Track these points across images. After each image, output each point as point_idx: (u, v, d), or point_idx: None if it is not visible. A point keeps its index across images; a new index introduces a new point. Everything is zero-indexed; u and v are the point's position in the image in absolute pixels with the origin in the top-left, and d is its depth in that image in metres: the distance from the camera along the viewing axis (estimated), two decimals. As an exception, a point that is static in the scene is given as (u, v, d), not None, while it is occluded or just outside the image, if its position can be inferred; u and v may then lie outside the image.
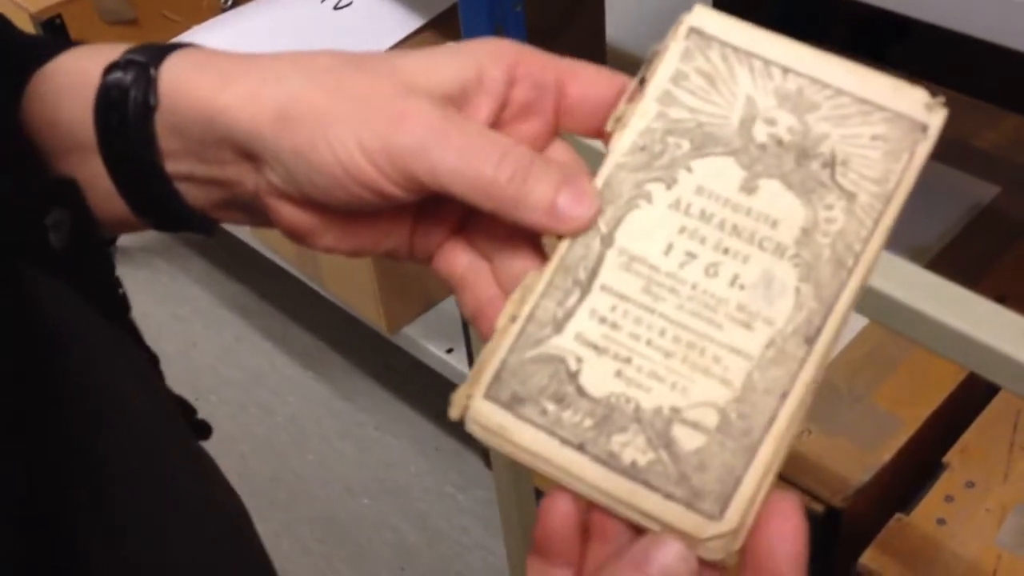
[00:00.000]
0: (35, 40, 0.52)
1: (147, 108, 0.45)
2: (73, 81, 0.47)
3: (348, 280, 1.56)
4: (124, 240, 2.16)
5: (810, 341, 0.39)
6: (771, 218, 0.40)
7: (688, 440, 0.38)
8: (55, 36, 1.75)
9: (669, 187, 0.41)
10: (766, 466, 0.38)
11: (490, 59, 0.43)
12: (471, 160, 0.41)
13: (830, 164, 0.40)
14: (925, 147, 0.40)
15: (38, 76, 0.48)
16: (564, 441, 0.39)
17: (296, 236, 0.45)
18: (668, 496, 0.38)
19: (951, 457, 0.94)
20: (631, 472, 0.38)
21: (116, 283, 0.49)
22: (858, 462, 0.92)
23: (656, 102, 0.42)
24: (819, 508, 0.91)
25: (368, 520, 1.65)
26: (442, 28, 1.36)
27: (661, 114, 0.42)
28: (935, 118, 0.40)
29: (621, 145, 0.42)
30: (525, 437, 0.39)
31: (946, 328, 0.60)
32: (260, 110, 0.42)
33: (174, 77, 0.45)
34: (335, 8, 1.39)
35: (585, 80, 0.44)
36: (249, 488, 1.78)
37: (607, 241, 0.41)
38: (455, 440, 1.71)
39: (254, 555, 0.54)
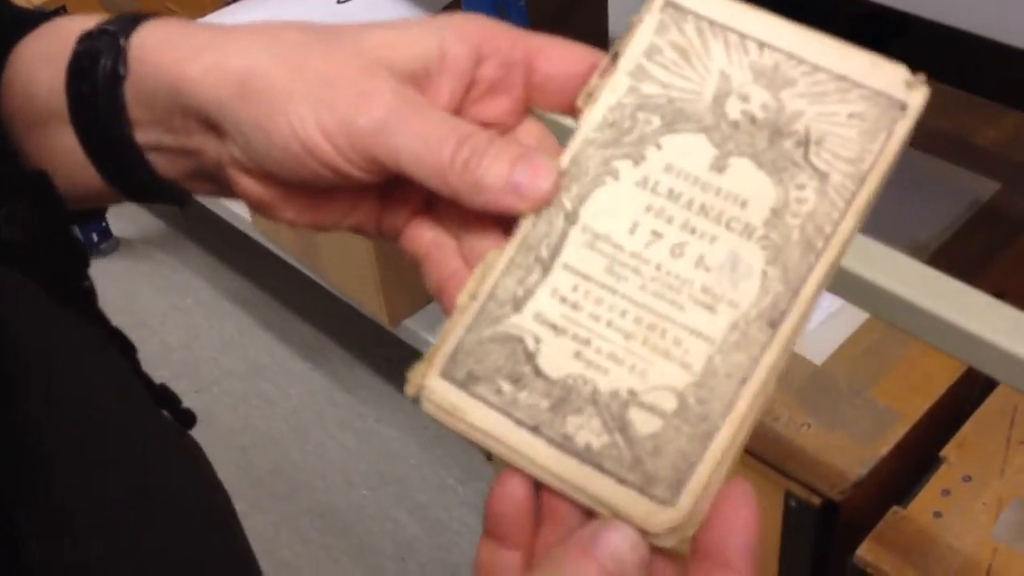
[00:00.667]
0: (17, 12, 0.51)
1: (116, 77, 0.44)
2: (49, 50, 0.47)
3: (350, 272, 1.56)
4: (125, 232, 2.16)
5: (774, 325, 0.37)
6: (740, 198, 0.39)
7: (644, 424, 0.37)
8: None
9: (637, 164, 0.40)
10: (722, 453, 0.36)
11: (455, 37, 0.42)
12: (430, 145, 0.40)
13: (804, 143, 0.39)
14: (904, 126, 0.38)
15: (20, 46, 0.48)
16: (519, 422, 0.38)
17: (258, 208, 0.45)
18: (621, 481, 0.37)
19: (948, 451, 0.94)
20: (585, 455, 0.37)
21: (82, 275, 0.49)
22: (856, 456, 0.92)
23: (628, 76, 0.41)
24: (817, 501, 0.92)
25: (368, 511, 1.66)
26: (445, 21, 1.37)
27: (632, 89, 0.41)
28: (915, 96, 0.39)
29: (590, 120, 0.41)
30: (479, 417, 0.38)
31: (945, 323, 0.60)
32: (223, 83, 0.42)
33: (143, 47, 0.44)
34: (338, 2, 1.39)
35: (555, 56, 0.43)
36: (250, 479, 1.79)
37: (571, 218, 0.40)
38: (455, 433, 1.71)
39: (232, 551, 0.54)
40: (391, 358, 1.84)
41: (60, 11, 0.54)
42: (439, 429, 1.83)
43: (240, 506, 0.59)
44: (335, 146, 0.40)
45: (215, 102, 0.42)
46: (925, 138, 1.22)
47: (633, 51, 0.41)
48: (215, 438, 1.70)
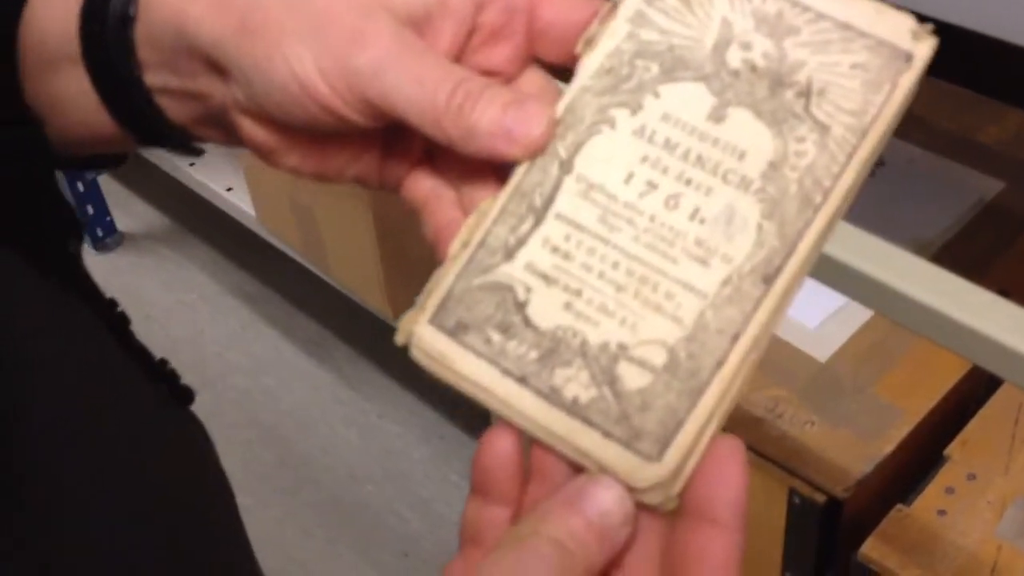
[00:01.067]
0: None
1: (126, 19, 0.44)
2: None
3: (354, 268, 1.56)
4: (130, 227, 2.17)
5: (768, 281, 0.36)
6: (739, 149, 0.37)
7: (633, 379, 0.36)
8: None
9: (634, 113, 0.39)
10: (710, 410, 0.35)
11: None
12: (425, 89, 0.39)
13: (805, 93, 0.37)
14: (909, 78, 0.37)
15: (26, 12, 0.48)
16: (506, 372, 0.37)
17: (261, 154, 0.45)
18: (607, 435, 0.36)
19: (952, 449, 0.94)
20: (572, 408, 0.36)
21: (68, 241, 0.49)
22: (860, 453, 0.93)
23: (627, 22, 0.40)
24: (821, 498, 0.92)
25: (372, 506, 1.66)
26: None
27: (631, 35, 0.39)
28: (922, 47, 0.37)
29: (588, 67, 0.40)
30: (467, 366, 0.38)
31: (949, 320, 0.60)
32: (225, 21, 0.42)
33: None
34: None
35: (558, 3, 0.42)
36: (254, 474, 1.79)
37: (566, 167, 0.39)
38: (458, 428, 1.71)
39: (215, 527, 0.54)
40: (395, 354, 1.84)
41: None
42: (442, 425, 1.84)
43: (244, 500, 0.59)
44: (332, 87, 0.40)
45: (216, 40, 0.42)
46: (930, 136, 1.23)
47: None
48: (219, 433, 1.69)
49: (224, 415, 1.79)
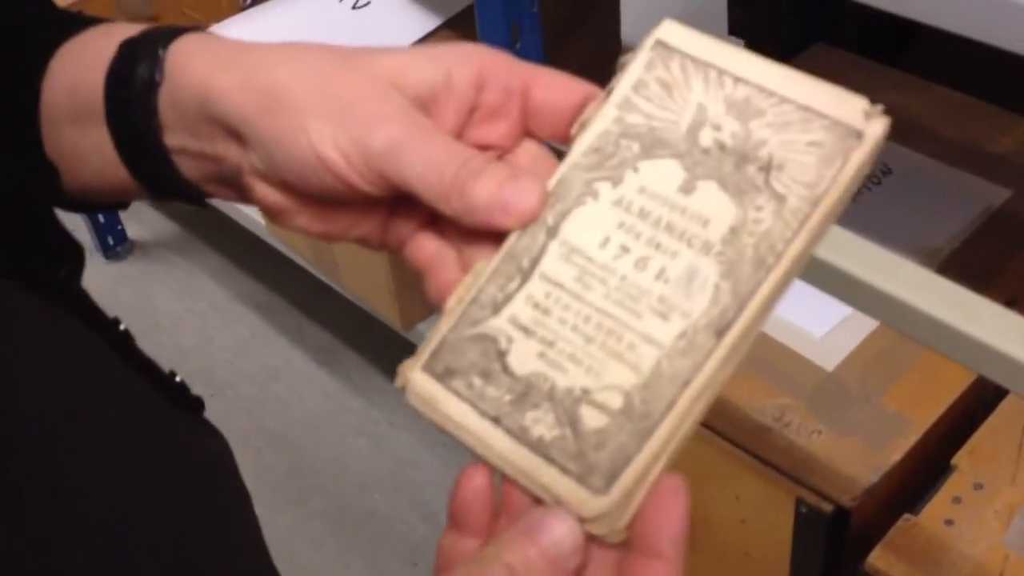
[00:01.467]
0: (66, 15, 0.55)
1: (152, 84, 0.47)
2: (93, 53, 0.50)
3: (364, 277, 1.57)
4: (140, 235, 2.18)
5: (720, 334, 0.40)
6: (704, 217, 0.41)
7: (592, 420, 0.40)
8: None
9: (615, 185, 0.43)
10: (657, 450, 0.39)
11: (459, 64, 0.46)
12: (434, 168, 0.43)
13: (766, 168, 0.41)
14: (859, 154, 0.40)
15: (68, 44, 0.51)
16: (483, 413, 0.41)
17: (271, 215, 0.48)
18: (564, 470, 0.39)
19: (960, 459, 0.94)
20: (537, 446, 0.40)
21: (59, 268, 0.52)
22: (867, 462, 0.93)
23: (616, 108, 0.44)
24: (828, 508, 0.92)
25: (380, 515, 1.67)
26: (459, 28, 1.37)
27: (619, 119, 0.44)
28: (873, 126, 0.41)
29: (580, 147, 0.44)
30: (451, 408, 0.42)
31: (955, 332, 0.60)
32: (250, 96, 0.45)
33: (179, 57, 0.48)
34: (353, 8, 1.40)
35: (549, 86, 0.46)
36: (264, 483, 1.80)
37: (552, 233, 0.43)
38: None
39: (232, 539, 0.55)
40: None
41: (93, 18, 0.57)
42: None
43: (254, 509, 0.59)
44: (349, 163, 0.44)
45: (241, 113, 0.45)
46: (937, 145, 1.23)
47: (623, 85, 0.45)
48: (229, 441, 1.70)
49: (233, 423, 1.79)
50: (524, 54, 1.12)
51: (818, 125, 0.41)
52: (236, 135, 0.46)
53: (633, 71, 0.45)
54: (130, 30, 0.50)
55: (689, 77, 0.44)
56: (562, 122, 0.46)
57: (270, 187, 0.47)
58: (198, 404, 0.59)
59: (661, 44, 0.45)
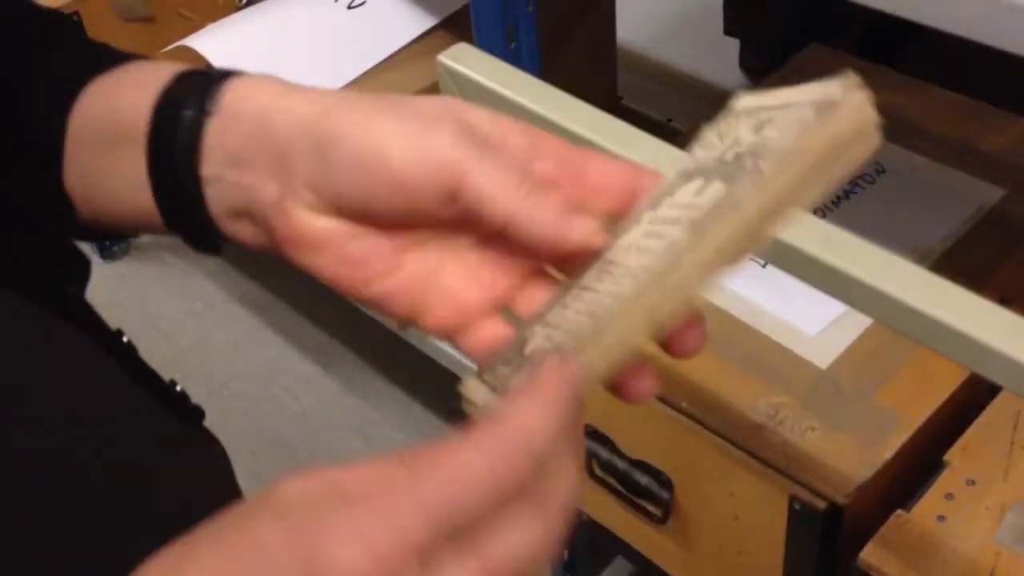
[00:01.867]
0: (102, 49, 0.57)
1: (203, 112, 0.49)
2: (140, 78, 0.52)
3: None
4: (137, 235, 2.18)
5: (669, 274, 0.42)
6: (701, 206, 0.44)
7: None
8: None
9: (654, 209, 0.46)
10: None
11: (514, 131, 0.47)
12: (501, 176, 0.44)
13: (757, 154, 0.43)
14: (835, 121, 0.42)
15: (113, 74, 0.53)
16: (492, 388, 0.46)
17: (294, 245, 0.48)
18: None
19: (952, 455, 0.95)
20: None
21: (68, 282, 0.54)
22: (861, 459, 0.93)
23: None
24: (821, 504, 0.92)
25: (377, 514, 1.67)
26: (455, 28, 1.38)
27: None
28: (847, 94, 0.42)
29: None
30: (475, 393, 0.46)
31: (949, 329, 0.60)
32: (316, 108, 0.46)
33: (238, 89, 0.49)
34: (348, 7, 1.40)
35: (604, 164, 0.48)
36: (259, 483, 1.78)
37: (596, 256, 0.46)
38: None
39: None
40: (401, 363, 1.85)
41: (75, 15, 0.59)
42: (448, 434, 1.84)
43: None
44: (410, 163, 0.44)
45: (305, 120, 0.46)
46: (933, 144, 1.23)
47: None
48: (225, 441, 1.70)
49: (230, 423, 1.80)
50: (520, 55, 1.12)
51: (807, 109, 0.43)
52: (284, 161, 0.46)
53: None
54: (177, 66, 0.52)
55: (737, 124, 0.47)
56: (614, 202, 0.47)
57: (314, 211, 0.47)
58: (198, 414, 0.59)
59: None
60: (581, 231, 0.44)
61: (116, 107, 0.52)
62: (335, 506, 0.37)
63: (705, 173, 0.45)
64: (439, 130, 0.44)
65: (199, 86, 0.50)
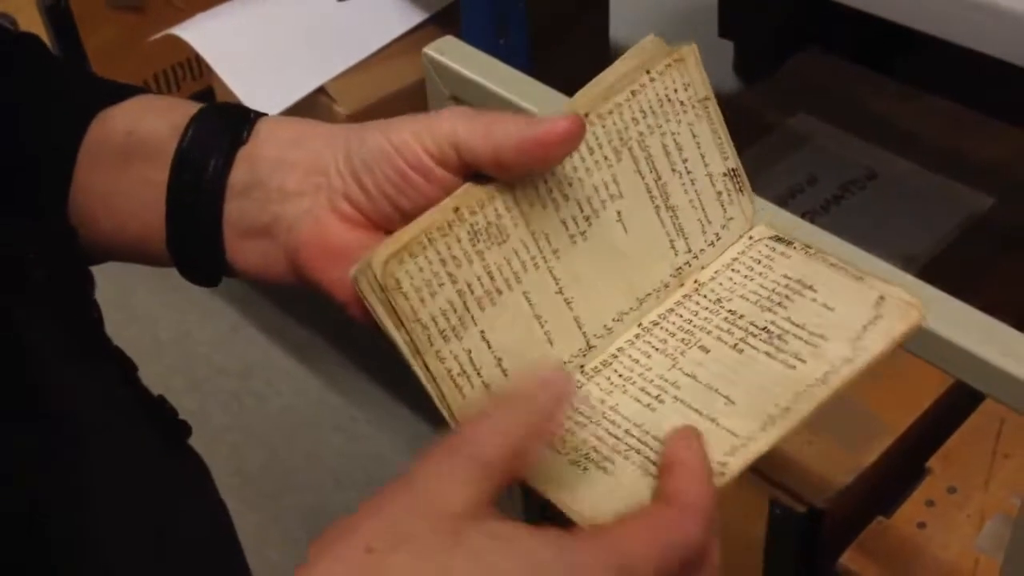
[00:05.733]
0: (111, 84, 0.59)
1: (237, 141, 0.52)
2: (162, 105, 0.54)
3: (344, 272, 1.57)
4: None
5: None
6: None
7: None
8: (61, 19, 1.76)
9: None
10: None
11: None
12: (488, 121, 0.48)
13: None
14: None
15: (122, 105, 0.55)
16: None
17: (332, 255, 0.50)
18: None
19: (934, 462, 0.94)
20: None
21: (91, 308, 0.55)
22: (842, 464, 0.93)
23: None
24: (802, 508, 0.92)
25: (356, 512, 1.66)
26: (446, 23, 1.37)
27: None
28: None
29: None
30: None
31: (933, 336, 0.60)
32: (347, 128, 0.51)
33: (269, 119, 0.53)
34: (338, 0, 1.40)
35: None
36: (239, 477, 1.79)
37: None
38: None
39: (216, 561, 0.56)
40: (385, 361, 1.84)
41: (63, 1, 0.61)
42: (430, 434, 1.84)
43: (229, 504, 0.59)
44: (421, 143, 0.48)
45: (336, 139, 0.50)
46: (923, 152, 1.23)
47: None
48: (206, 435, 1.70)
49: (211, 418, 1.79)
50: (510, 51, 1.12)
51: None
52: (320, 170, 0.50)
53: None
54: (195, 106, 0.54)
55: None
56: None
57: (346, 222, 0.50)
58: (187, 430, 0.60)
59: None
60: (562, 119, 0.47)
61: (136, 127, 0.53)
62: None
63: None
64: (440, 114, 0.49)
65: (232, 112, 0.53)
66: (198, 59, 1.42)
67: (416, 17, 1.39)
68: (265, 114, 0.54)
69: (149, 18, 1.74)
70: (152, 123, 0.53)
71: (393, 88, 1.35)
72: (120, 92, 0.56)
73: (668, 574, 0.43)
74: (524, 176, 0.48)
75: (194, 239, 0.53)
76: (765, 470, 0.93)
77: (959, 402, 0.98)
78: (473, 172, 0.48)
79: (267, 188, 0.51)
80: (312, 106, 1.34)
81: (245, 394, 1.85)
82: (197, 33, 1.36)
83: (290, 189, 0.50)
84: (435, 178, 0.48)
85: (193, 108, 0.54)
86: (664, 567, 0.43)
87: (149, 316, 1.99)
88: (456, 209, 0.48)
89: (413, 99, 1.12)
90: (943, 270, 1.08)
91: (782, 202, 1.18)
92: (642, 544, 0.42)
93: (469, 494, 0.43)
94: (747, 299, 0.53)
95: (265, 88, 1.32)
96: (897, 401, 0.98)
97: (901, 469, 0.95)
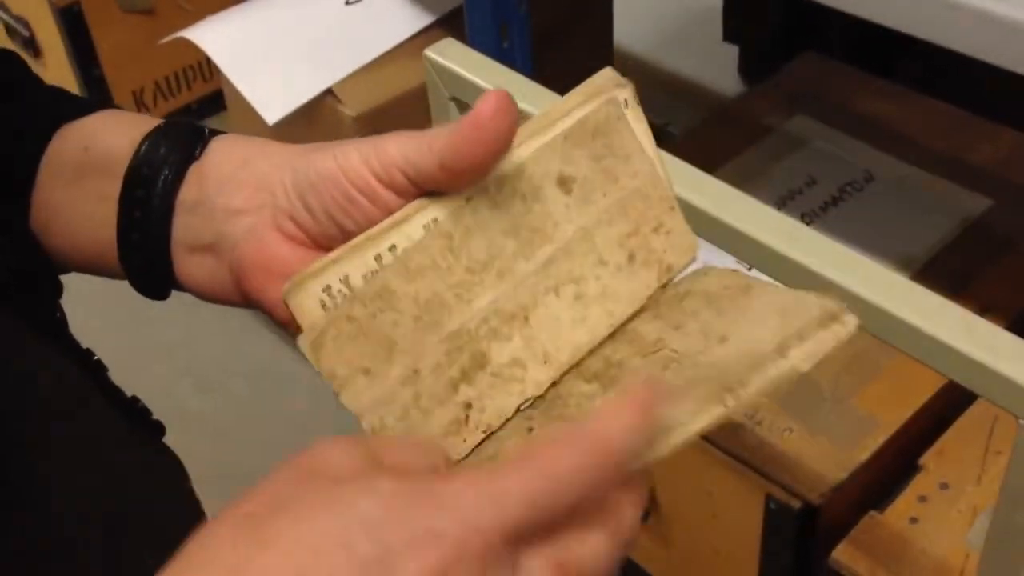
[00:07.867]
0: (74, 97, 0.59)
1: (189, 158, 0.52)
2: (123, 120, 0.55)
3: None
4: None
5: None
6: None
7: None
8: (74, 23, 1.78)
9: None
10: None
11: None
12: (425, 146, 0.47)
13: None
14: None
15: (84, 120, 0.56)
16: None
17: (274, 271, 0.50)
18: None
19: (927, 459, 0.96)
20: None
21: (56, 307, 0.56)
22: (836, 461, 0.94)
23: None
24: (797, 504, 0.93)
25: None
26: (451, 27, 1.39)
27: None
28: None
29: None
30: None
31: (927, 337, 0.61)
32: (296, 150, 0.51)
33: (222, 138, 0.53)
34: (346, 3, 1.41)
35: None
36: (247, 480, 1.78)
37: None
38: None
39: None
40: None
41: (76, 6, 0.61)
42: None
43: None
44: (367, 164, 0.47)
45: (284, 160, 0.50)
46: (921, 154, 1.24)
47: None
48: (214, 437, 1.71)
49: (219, 419, 1.80)
50: (512, 54, 1.13)
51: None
52: (267, 189, 0.50)
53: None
54: (153, 121, 0.55)
55: None
56: None
57: (288, 239, 0.49)
58: (158, 428, 0.61)
59: None
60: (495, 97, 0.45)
61: (93, 143, 0.54)
62: (437, 483, 0.37)
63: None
64: (385, 137, 0.48)
65: (187, 130, 0.53)
66: (208, 61, 1.44)
67: (423, 20, 1.40)
68: (222, 132, 0.54)
69: (160, 21, 1.76)
70: (110, 139, 0.54)
71: (399, 90, 1.36)
72: (84, 108, 0.57)
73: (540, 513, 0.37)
74: (476, 177, 0.47)
75: (144, 254, 0.53)
76: (761, 466, 0.95)
77: (952, 401, 0.99)
78: (423, 192, 0.48)
79: (214, 206, 0.51)
80: (319, 108, 1.36)
81: (255, 397, 1.86)
82: (207, 36, 1.37)
83: (236, 207, 0.50)
84: (381, 201, 0.47)
85: (152, 124, 0.54)
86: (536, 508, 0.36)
87: (158, 318, 2.00)
88: (382, 232, 0.47)
89: (419, 101, 1.13)
90: (940, 272, 1.09)
91: (781, 203, 1.19)
92: (517, 480, 0.36)
93: (354, 462, 0.39)
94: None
95: (273, 90, 1.33)
96: (891, 400, 0.99)
97: (895, 466, 0.96)
